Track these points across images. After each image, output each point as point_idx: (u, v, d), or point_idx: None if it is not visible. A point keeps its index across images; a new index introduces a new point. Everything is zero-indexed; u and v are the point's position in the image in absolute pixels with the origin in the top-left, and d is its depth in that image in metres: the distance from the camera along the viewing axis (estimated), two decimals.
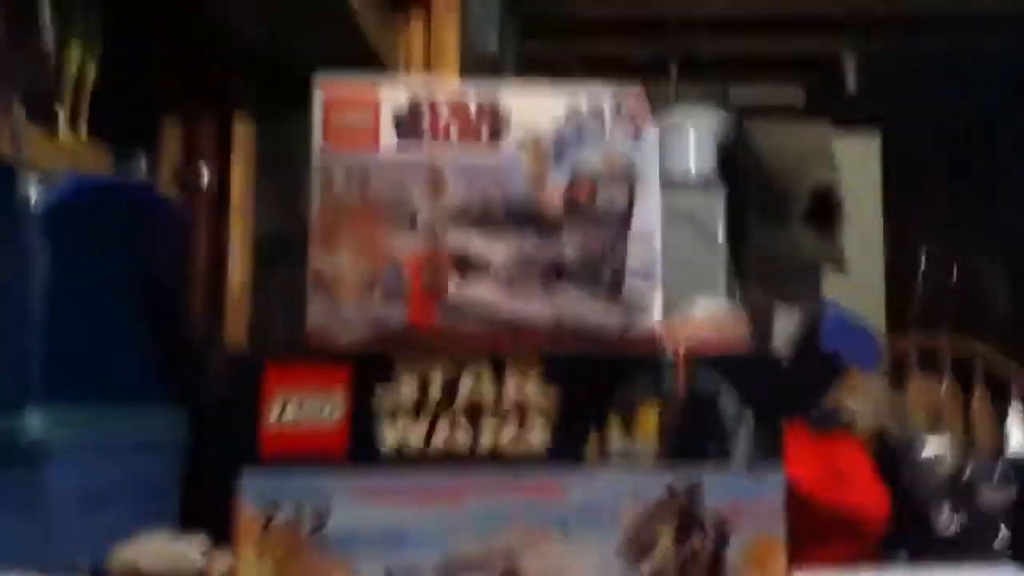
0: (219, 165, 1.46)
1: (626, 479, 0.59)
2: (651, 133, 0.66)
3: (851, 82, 3.19)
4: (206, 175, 1.45)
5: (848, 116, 3.31)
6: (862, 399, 2.17)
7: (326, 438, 0.56)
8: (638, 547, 0.59)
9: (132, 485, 1.09)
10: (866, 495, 1.15)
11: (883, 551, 1.14)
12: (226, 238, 1.43)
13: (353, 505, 0.56)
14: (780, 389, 0.63)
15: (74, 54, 1.24)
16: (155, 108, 1.45)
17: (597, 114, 0.65)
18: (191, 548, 0.96)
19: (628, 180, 0.64)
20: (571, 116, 0.64)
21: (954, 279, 3.60)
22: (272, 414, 0.55)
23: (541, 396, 0.59)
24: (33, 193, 1.13)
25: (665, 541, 0.59)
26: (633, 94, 0.66)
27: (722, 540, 0.60)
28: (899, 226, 3.73)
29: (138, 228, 1.20)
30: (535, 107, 0.63)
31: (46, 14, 1.03)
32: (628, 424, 0.59)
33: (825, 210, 2.59)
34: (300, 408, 0.56)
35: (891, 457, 1.39)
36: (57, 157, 1.18)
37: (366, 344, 0.59)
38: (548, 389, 0.59)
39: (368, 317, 0.58)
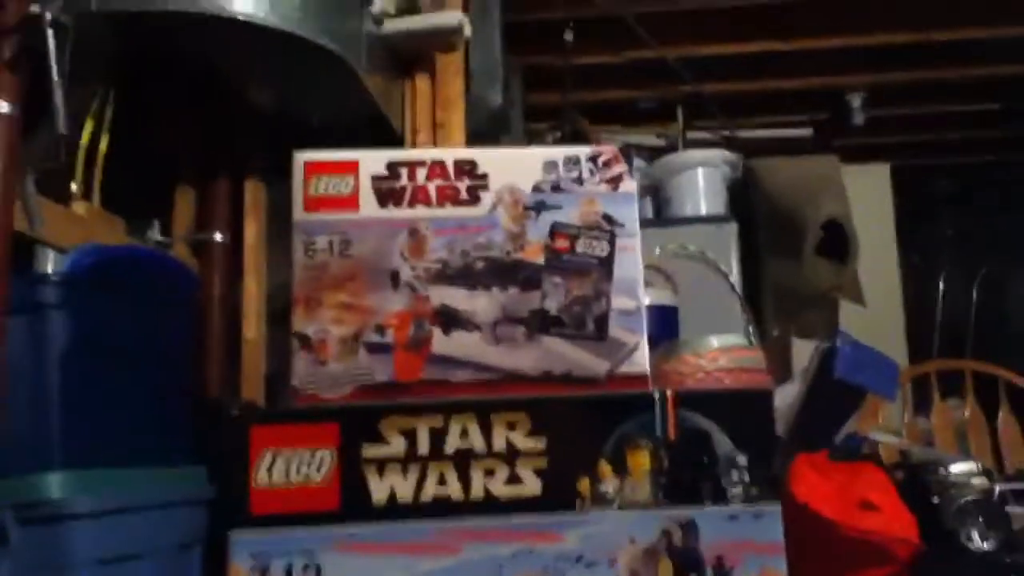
0: (232, 228, 1.48)
1: (621, 522, 0.59)
2: (629, 185, 0.67)
3: (858, 115, 3.20)
4: (219, 238, 1.47)
5: (857, 149, 3.30)
6: (883, 425, 2.14)
7: (316, 494, 0.56)
8: None
9: (154, 544, 1.10)
10: (893, 521, 1.13)
11: (917, 573, 1.12)
12: (240, 298, 1.45)
13: (345, 559, 0.56)
14: (772, 426, 0.63)
15: (87, 126, 1.27)
16: (168, 174, 1.48)
17: (574, 169, 0.65)
18: None
19: (608, 230, 0.65)
20: (548, 171, 0.65)
21: (974, 303, 3.56)
22: (261, 473, 0.55)
23: (530, 443, 0.59)
24: (49, 265, 1.16)
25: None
26: (610, 148, 0.67)
27: None
28: (914, 254, 3.71)
29: (153, 293, 1.22)
30: (512, 164, 0.64)
31: (60, 94, 1.05)
32: (619, 467, 0.59)
33: (838, 242, 2.58)
34: (289, 466, 0.56)
35: (917, 482, 1.37)
36: (71, 228, 1.20)
37: (352, 400, 0.59)
38: (537, 435, 0.59)
39: (353, 374, 0.59)
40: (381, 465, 0.57)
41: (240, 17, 1.17)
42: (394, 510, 0.57)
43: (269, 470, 0.55)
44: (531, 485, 0.58)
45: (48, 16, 1.05)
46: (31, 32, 1.05)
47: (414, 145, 1.38)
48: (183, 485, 1.16)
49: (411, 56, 1.59)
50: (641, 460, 0.60)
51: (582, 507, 0.58)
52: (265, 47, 1.26)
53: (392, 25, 1.45)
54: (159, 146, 1.45)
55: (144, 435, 1.14)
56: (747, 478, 0.60)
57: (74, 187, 1.26)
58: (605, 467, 0.59)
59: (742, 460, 0.61)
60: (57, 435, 1.04)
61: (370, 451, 0.57)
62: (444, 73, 1.66)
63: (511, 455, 0.58)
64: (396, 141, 1.44)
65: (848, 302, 2.67)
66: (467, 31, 1.60)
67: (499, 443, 0.58)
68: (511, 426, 0.59)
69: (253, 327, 1.42)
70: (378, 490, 0.56)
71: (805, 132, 3.28)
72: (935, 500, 1.31)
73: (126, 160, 1.34)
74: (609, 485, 0.59)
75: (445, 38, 1.58)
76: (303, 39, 1.23)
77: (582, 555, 0.58)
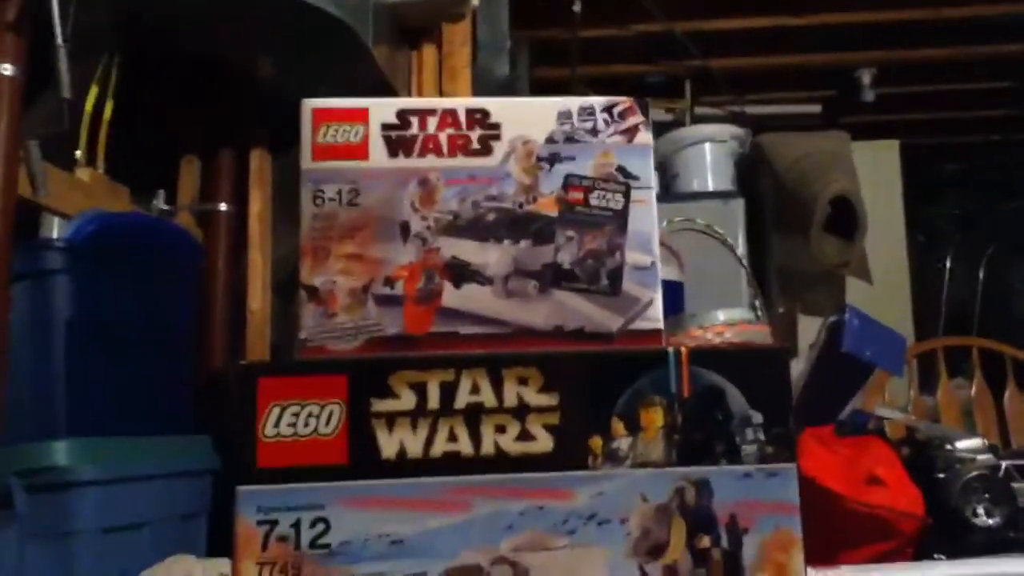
0: (237, 198, 1.47)
1: (633, 480, 0.58)
2: (645, 137, 0.65)
3: (867, 92, 3.17)
4: (224, 208, 1.46)
5: (866, 126, 3.28)
6: (889, 402, 2.13)
7: (324, 449, 0.55)
8: (649, 549, 0.57)
9: (158, 512, 1.09)
10: (899, 496, 1.12)
11: (921, 550, 1.12)
12: (244, 268, 1.44)
13: (354, 515, 0.54)
14: (787, 384, 0.62)
15: (92, 94, 1.26)
16: (173, 144, 1.47)
17: (589, 119, 0.64)
18: (215, 571, 0.95)
19: (622, 183, 0.63)
20: (562, 122, 0.63)
21: (980, 282, 3.54)
22: (268, 426, 0.54)
23: (542, 399, 0.57)
24: (54, 231, 1.15)
25: (676, 542, 0.57)
26: (626, 99, 0.65)
27: (735, 539, 0.58)
28: (921, 232, 3.68)
29: (157, 262, 1.21)
30: (526, 114, 0.63)
31: (64, 57, 1.04)
32: (632, 424, 0.58)
33: (847, 219, 2.56)
34: (297, 420, 0.55)
35: (923, 458, 1.36)
36: (76, 195, 1.19)
37: (361, 353, 0.58)
38: (549, 391, 0.58)
39: (362, 326, 0.58)
40: (391, 419, 0.56)
41: None
42: (403, 465, 0.55)
43: (276, 423, 0.54)
44: (542, 442, 0.57)
45: None
46: None
47: None
48: (187, 455, 1.15)
49: (418, 26, 1.58)
50: (654, 418, 0.59)
51: (594, 464, 0.57)
52: (271, 15, 1.25)
53: None
54: (164, 115, 1.43)
55: (148, 404, 1.14)
56: (762, 436, 0.59)
57: (79, 154, 1.25)
58: (618, 424, 0.58)
59: (757, 418, 0.59)
60: (62, 402, 1.04)
61: (379, 405, 0.56)
62: (451, 44, 1.64)
63: (522, 411, 0.57)
64: None
65: (855, 279, 2.65)
66: (474, 1, 1.58)
67: (510, 398, 0.57)
68: (522, 381, 0.57)
69: (258, 298, 1.41)
70: (387, 445, 0.55)
71: (814, 108, 3.26)
72: (941, 476, 1.30)
73: (131, 128, 1.33)
74: (621, 443, 0.58)
75: (452, 8, 1.56)
76: (310, 7, 1.21)
77: (593, 513, 0.57)
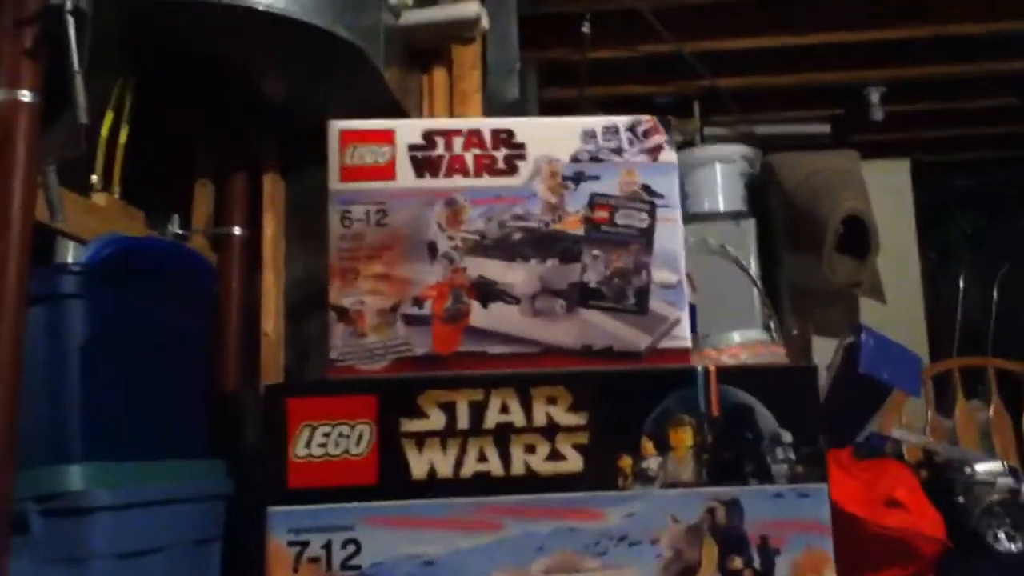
0: (250, 222, 1.48)
1: (664, 501, 0.58)
2: (669, 155, 0.65)
3: (876, 111, 3.18)
4: (237, 232, 1.47)
5: (876, 145, 3.29)
6: (907, 424, 2.12)
7: (355, 469, 0.55)
8: (680, 570, 0.57)
9: (173, 537, 1.09)
10: (919, 518, 1.12)
11: (941, 574, 1.11)
12: (258, 290, 1.44)
13: (384, 536, 0.55)
14: (817, 403, 0.61)
15: (107, 119, 1.27)
16: (186, 168, 1.48)
17: (613, 139, 0.64)
18: None
19: (648, 201, 0.64)
20: (587, 141, 0.64)
21: (994, 301, 3.53)
22: (298, 447, 0.54)
23: (571, 419, 0.57)
24: (69, 256, 1.16)
25: (708, 563, 0.57)
26: (649, 118, 0.66)
27: (767, 559, 0.58)
28: (934, 251, 3.68)
29: (171, 285, 1.22)
30: (550, 134, 0.63)
31: (80, 83, 1.05)
32: (662, 443, 0.58)
33: (858, 238, 2.56)
34: (327, 440, 0.55)
35: (942, 481, 1.35)
36: (91, 220, 1.20)
37: (390, 373, 0.58)
38: (578, 411, 0.58)
39: (390, 346, 0.58)
40: (420, 439, 0.56)
41: (259, 7, 1.16)
42: (433, 485, 0.56)
43: (307, 443, 0.54)
44: (572, 462, 0.57)
45: (68, 4, 1.04)
46: (51, 21, 1.05)
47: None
48: (202, 479, 1.15)
49: (429, 48, 1.59)
50: (684, 437, 0.59)
51: (624, 485, 0.57)
52: (283, 37, 1.26)
53: (410, 16, 1.44)
54: (178, 139, 1.44)
55: (163, 428, 1.14)
56: (792, 456, 0.59)
57: (94, 178, 1.26)
58: (647, 444, 0.58)
59: (787, 437, 0.59)
60: (77, 426, 1.04)
61: (409, 425, 0.56)
62: (461, 67, 1.66)
63: (551, 431, 0.57)
64: None
65: (867, 299, 2.65)
66: (484, 23, 1.59)
67: (539, 418, 0.57)
68: (551, 401, 0.57)
69: (272, 320, 1.42)
70: (417, 465, 0.55)
71: (823, 128, 3.26)
72: (960, 499, 1.30)
73: (146, 153, 1.34)
74: (651, 462, 0.58)
75: (463, 30, 1.57)
76: (321, 30, 1.22)
77: (624, 534, 0.57)
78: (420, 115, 1.55)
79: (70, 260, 1.17)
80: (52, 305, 1.06)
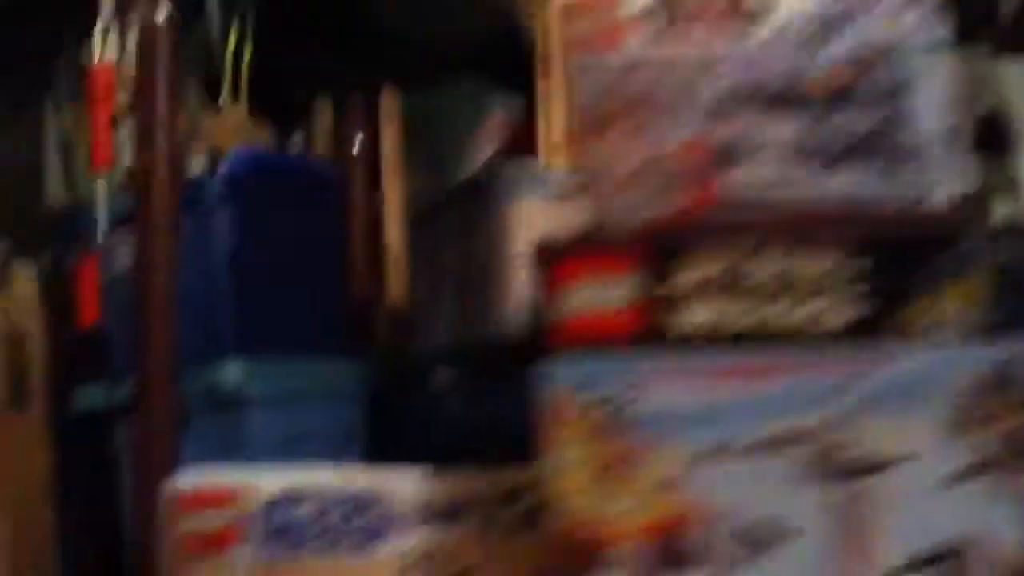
0: (370, 136, 1.55)
1: (948, 354, 0.57)
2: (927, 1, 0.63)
3: (1007, 6, 3.04)
4: (357, 148, 1.55)
5: (1007, 42, 3.15)
6: None
7: (622, 322, 0.58)
8: (965, 425, 0.57)
9: (320, 431, 1.20)
10: None
11: None
12: (380, 204, 1.52)
13: (657, 386, 0.58)
14: None
15: (233, 35, 1.35)
16: (309, 84, 1.56)
17: None
18: None
19: (905, 53, 0.61)
20: None
21: None
22: (564, 303, 0.58)
23: (845, 272, 0.58)
24: (210, 166, 1.26)
25: (995, 420, 0.57)
26: None
27: None
28: None
29: (304, 197, 1.31)
30: None
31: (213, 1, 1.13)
32: (942, 299, 0.57)
33: (994, 138, 2.47)
34: (594, 294, 0.58)
35: None
36: (225, 134, 1.29)
37: (650, 231, 0.60)
38: (850, 266, 0.58)
39: (642, 207, 0.60)
40: (686, 294, 0.58)
41: None
42: (703, 338, 0.58)
43: (572, 301, 0.58)
44: (844, 316, 0.58)
45: None
46: None
47: (547, 57, 1.38)
48: (345, 376, 1.25)
49: None
50: (965, 292, 0.57)
51: (902, 340, 0.57)
52: None
53: None
54: (300, 58, 1.52)
55: (308, 328, 1.24)
56: None
57: (223, 94, 1.35)
58: (926, 299, 0.57)
59: None
60: (232, 327, 1.14)
61: (673, 279, 0.58)
62: None
63: (821, 285, 0.58)
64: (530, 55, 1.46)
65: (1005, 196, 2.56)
66: None
67: (812, 271, 0.58)
68: (818, 256, 0.58)
69: (394, 233, 1.50)
70: (686, 317, 0.58)
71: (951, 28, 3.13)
72: None
73: (269, 71, 1.42)
74: (931, 317, 0.57)
75: None
76: None
77: (903, 386, 0.57)
78: (539, 35, 1.58)
79: (207, 172, 1.26)
80: (201, 214, 1.16)
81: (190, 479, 0.76)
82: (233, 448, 1.12)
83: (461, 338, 1.18)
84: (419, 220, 1.44)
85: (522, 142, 1.41)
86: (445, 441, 1.13)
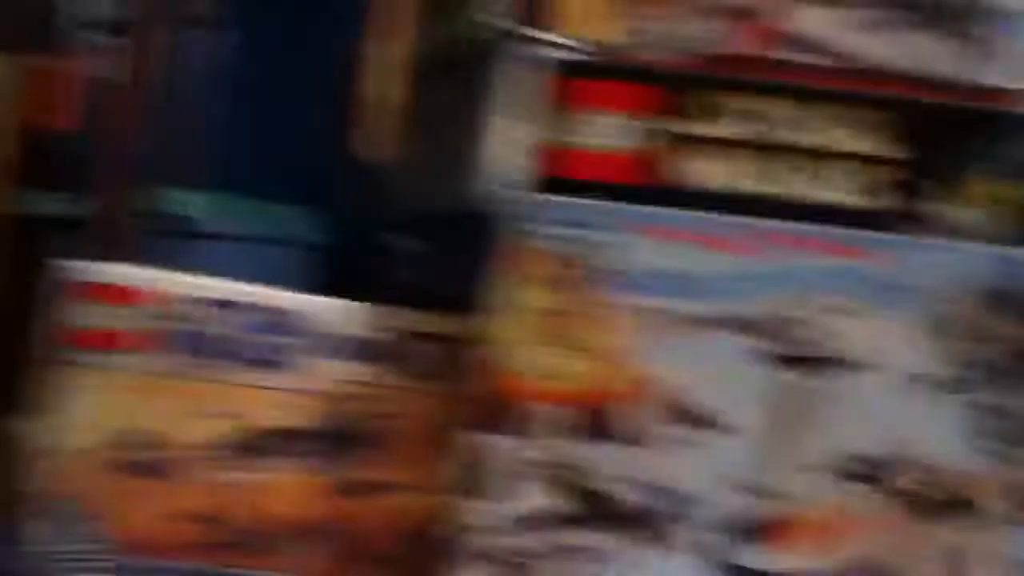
0: None
1: (950, 255, 0.55)
2: None
3: None
4: None
5: None
6: None
7: (628, 167, 0.53)
8: (944, 333, 0.56)
9: (270, 275, 1.13)
10: None
11: None
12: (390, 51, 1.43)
13: (649, 244, 0.53)
14: None
15: None
16: None
17: None
18: None
19: None
20: None
21: None
22: (574, 133, 0.53)
23: (880, 149, 0.54)
24: None
25: (994, 331, 0.55)
26: None
27: None
28: None
29: (300, 30, 1.22)
30: None
31: None
32: (976, 193, 0.55)
33: None
34: (604, 130, 0.53)
35: None
36: None
37: (685, 68, 0.55)
38: (890, 142, 0.54)
39: (687, 38, 0.54)
40: (708, 145, 0.53)
41: None
42: (712, 198, 0.54)
43: (583, 131, 0.53)
44: (871, 197, 0.55)
45: None
46: None
47: None
48: (303, 225, 1.18)
49: None
50: (1000, 190, 0.55)
51: (923, 231, 0.55)
52: None
53: None
54: None
55: (280, 171, 1.17)
56: None
57: None
58: (960, 191, 0.55)
59: None
60: (203, 153, 1.10)
61: (698, 127, 0.53)
62: None
63: (854, 160, 0.54)
64: None
65: None
66: None
67: (846, 144, 0.54)
68: (862, 127, 0.54)
69: (398, 84, 1.42)
70: (699, 172, 0.54)
71: None
72: None
73: None
74: (960, 212, 0.55)
75: None
76: None
77: (889, 287, 0.55)
78: None
79: None
80: (192, 34, 1.10)
81: (96, 271, 0.67)
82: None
83: (435, 203, 1.12)
84: (426, 74, 1.36)
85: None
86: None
